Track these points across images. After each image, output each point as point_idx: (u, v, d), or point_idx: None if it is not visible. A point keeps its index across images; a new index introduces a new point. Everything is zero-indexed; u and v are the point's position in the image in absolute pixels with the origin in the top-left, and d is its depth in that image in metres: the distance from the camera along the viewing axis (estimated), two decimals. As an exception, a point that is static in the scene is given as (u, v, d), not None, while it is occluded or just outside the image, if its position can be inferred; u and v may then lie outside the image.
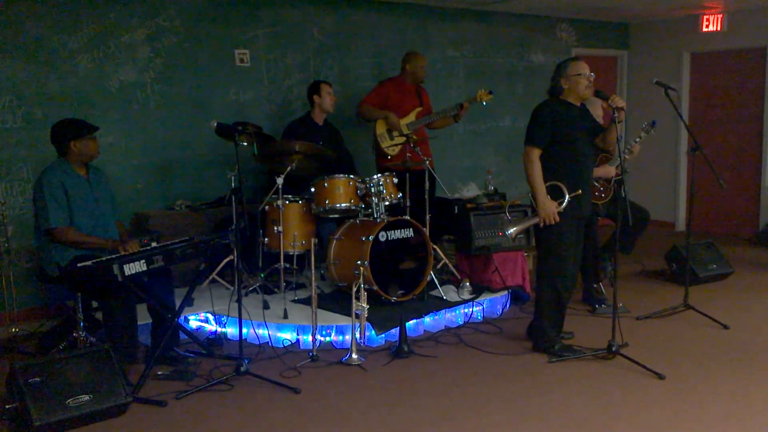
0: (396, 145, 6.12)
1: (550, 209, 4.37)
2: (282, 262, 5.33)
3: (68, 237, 4.31)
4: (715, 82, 8.70)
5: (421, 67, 6.35)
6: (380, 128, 6.25)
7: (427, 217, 5.56)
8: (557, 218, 4.39)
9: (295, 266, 5.46)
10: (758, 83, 8.27)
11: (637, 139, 5.37)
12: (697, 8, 8.18)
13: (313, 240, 4.97)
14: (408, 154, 5.64)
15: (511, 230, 4.60)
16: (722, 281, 6.43)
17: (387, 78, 6.62)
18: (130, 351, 4.42)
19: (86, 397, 3.67)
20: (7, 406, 3.62)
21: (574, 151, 4.42)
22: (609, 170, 5.37)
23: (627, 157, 5.48)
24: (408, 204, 5.56)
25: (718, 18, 8.40)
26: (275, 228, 5.30)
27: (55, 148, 4.45)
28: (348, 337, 4.76)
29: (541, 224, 4.45)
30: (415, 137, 5.97)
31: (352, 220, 5.37)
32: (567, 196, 4.36)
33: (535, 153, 4.41)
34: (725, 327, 5.11)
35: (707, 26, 8.49)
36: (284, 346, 4.87)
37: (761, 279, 6.56)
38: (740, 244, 8.09)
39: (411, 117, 6.31)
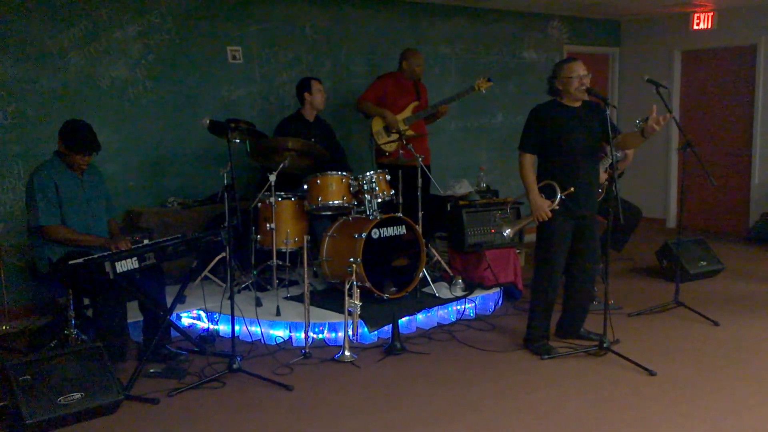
0: (392, 141, 6.12)
1: (541, 206, 4.44)
2: (275, 260, 5.32)
3: (58, 235, 4.29)
4: (705, 80, 8.74)
5: (417, 64, 6.35)
6: (376, 126, 6.25)
7: (420, 214, 5.56)
8: (549, 214, 4.43)
9: (287, 263, 5.46)
10: (748, 81, 8.31)
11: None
12: (688, 6, 8.21)
13: (305, 237, 4.96)
14: (401, 151, 5.64)
15: (508, 230, 4.70)
16: (713, 278, 6.46)
17: (385, 73, 6.62)
18: (119, 349, 4.39)
19: (78, 395, 3.66)
20: (-2, 405, 3.62)
21: (565, 153, 4.46)
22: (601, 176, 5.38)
23: (619, 155, 5.49)
24: (401, 201, 5.56)
25: (708, 16, 8.44)
26: (268, 225, 5.29)
27: (55, 143, 4.42)
28: (341, 335, 4.77)
29: (535, 222, 4.52)
30: (411, 132, 5.96)
31: (344, 218, 5.37)
32: (559, 195, 4.40)
33: (526, 157, 4.53)
34: (716, 324, 5.14)
35: (698, 24, 8.54)
36: (277, 344, 4.87)
37: (751, 276, 6.60)
38: (731, 240, 8.13)
39: (407, 112, 6.31)
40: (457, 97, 6.36)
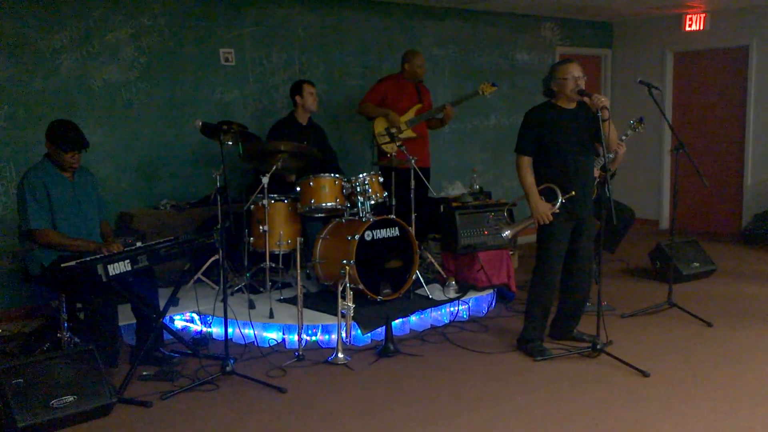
0: (392, 142, 6.12)
1: (542, 209, 4.44)
2: (268, 262, 5.31)
3: (49, 239, 4.27)
4: (698, 82, 8.77)
5: (419, 65, 6.36)
6: (378, 127, 6.24)
7: (413, 216, 5.56)
8: (550, 218, 4.44)
9: (280, 266, 5.45)
10: (740, 82, 8.34)
11: (624, 137, 5.38)
12: (680, 8, 8.24)
13: (298, 239, 4.96)
14: (393, 154, 5.64)
15: (507, 232, 4.73)
16: (706, 279, 6.48)
17: (386, 75, 6.62)
18: (112, 352, 4.38)
19: (70, 398, 3.65)
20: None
21: (560, 155, 4.46)
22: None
23: (612, 156, 5.50)
24: (394, 203, 5.56)
25: (700, 17, 8.48)
26: (261, 227, 5.28)
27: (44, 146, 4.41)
28: (334, 337, 4.76)
29: (535, 225, 4.53)
30: (412, 133, 5.95)
31: (337, 219, 5.36)
32: (560, 198, 4.40)
33: (524, 160, 4.52)
34: (709, 324, 5.16)
35: (690, 26, 8.58)
36: (270, 346, 4.86)
37: (744, 276, 6.62)
38: (723, 241, 8.16)
39: (410, 114, 6.31)
40: (461, 100, 6.37)
